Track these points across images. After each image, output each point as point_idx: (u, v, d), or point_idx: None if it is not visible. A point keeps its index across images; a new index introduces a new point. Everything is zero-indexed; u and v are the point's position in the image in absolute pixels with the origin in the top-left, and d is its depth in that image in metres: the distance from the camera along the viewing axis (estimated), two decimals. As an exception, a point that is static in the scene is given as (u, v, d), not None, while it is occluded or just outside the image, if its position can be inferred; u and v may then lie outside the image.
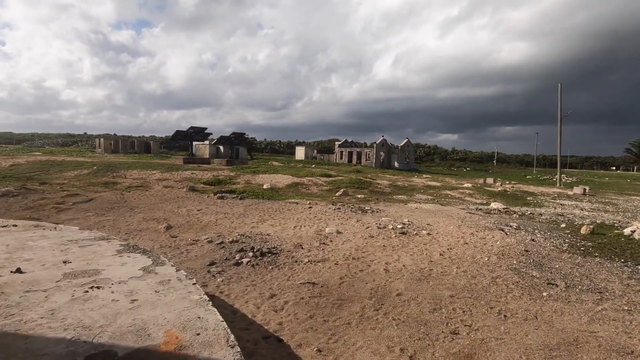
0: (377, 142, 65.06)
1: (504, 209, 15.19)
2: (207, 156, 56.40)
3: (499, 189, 24.58)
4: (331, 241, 8.12)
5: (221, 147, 66.26)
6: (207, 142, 59.43)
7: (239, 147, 67.13)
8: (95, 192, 13.32)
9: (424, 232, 8.93)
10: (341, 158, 71.64)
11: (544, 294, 5.27)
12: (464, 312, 4.80)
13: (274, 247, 7.49)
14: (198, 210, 11.02)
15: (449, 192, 21.65)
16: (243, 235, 8.31)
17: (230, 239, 7.82)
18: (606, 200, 22.91)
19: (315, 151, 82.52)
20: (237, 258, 6.86)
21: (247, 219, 10.14)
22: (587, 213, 16.06)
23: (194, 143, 61.30)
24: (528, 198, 21.42)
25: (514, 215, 13.22)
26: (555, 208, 17.59)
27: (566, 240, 8.40)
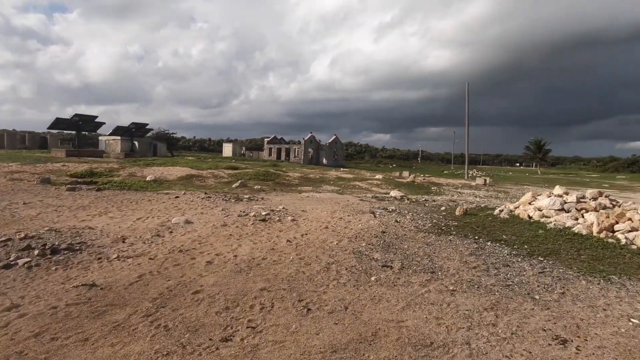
0: (305, 138, 64.55)
1: (401, 196, 15.02)
2: (119, 151, 50.97)
3: (408, 180, 25.10)
4: (171, 232, 6.70)
5: (136, 143, 60.56)
6: (118, 137, 53.74)
7: (157, 144, 61.90)
8: None
9: (289, 218, 7.90)
10: (270, 155, 69.91)
11: (372, 278, 4.44)
12: (262, 308, 3.72)
13: (80, 243, 5.85)
14: (25, 203, 8.79)
15: (358, 183, 21.39)
16: (54, 230, 6.50)
17: (23, 235, 5.98)
18: (500, 189, 24.57)
19: (244, 148, 79.65)
20: (11, 258, 5.12)
21: (85, 211, 8.25)
22: (478, 199, 16.66)
23: (103, 139, 55.01)
24: (432, 188, 22.01)
25: (406, 201, 12.98)
26: (452, 195, 18.09)
27: (434, 221, 7.97)
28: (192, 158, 41.24)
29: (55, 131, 41.80)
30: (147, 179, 15.44)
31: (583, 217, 7.71)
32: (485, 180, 29.05)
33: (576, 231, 7.12)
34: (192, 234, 6.65)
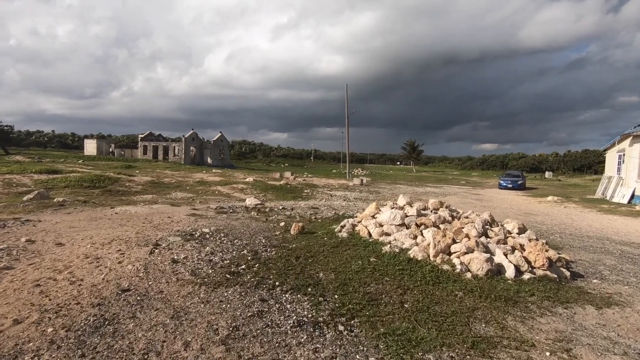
0: (186, 136, 58.41)
1: (255, 205, 12.81)
2: None
3: (282, 182, 23.30)
4: None
5: (-52, 138, 46.43)
6: None
7: (-18, 138, 48.38)
8: None
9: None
10: (145, 153, 61.42)
11: None
12: None
13: None
14: None
15: (220, 188, 18.58)
16: None
17: None
18: (374, 190, 24.65)
19: (114, 145, 68.60)
20: None
21: None
22: (344, 203, 15.59)
23: None
24: (305, 191, 20.55)
25: (252, 213, 10.77)
26: (320, 200, 16.74)
27: (242, 252, 5.77)
28: (20, 157, 32.44)
29: None
30: None
31: (422, 234, 6.47)
32: (362, 180, 29.23)
33: (412, 256, 5.74)
34: None
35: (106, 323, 3.32)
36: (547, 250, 5.81)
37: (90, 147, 64.45)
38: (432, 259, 5.64)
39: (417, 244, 6.18)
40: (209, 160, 61.07)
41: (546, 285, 4.92)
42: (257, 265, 5.13)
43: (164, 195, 15.21)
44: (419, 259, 5.64)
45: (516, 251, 5.82)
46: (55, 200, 11.37)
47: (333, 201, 16.49)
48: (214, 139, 63.25)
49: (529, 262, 5.62)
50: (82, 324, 3.28)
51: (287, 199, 16.52)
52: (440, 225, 6.63)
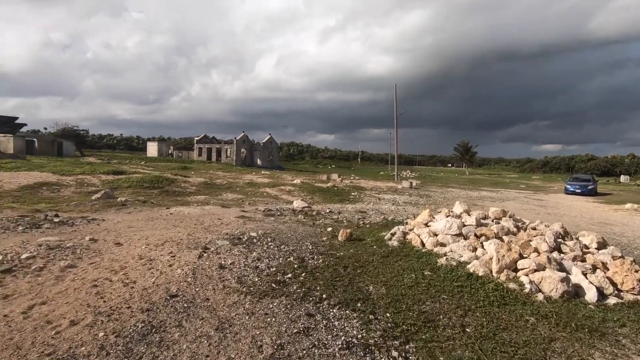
0: (237, 138, 60.67)
1: (302, 207, 12.75)
2: (13, 151, 43.31)
3: (329, 184, 23.13)
4: None
5: (35, 142, 52.37)
6: (10, 135, 45.70)
7: (63, 142, 54.14)
8: None
9: (62, 264, 5.05)
10: (200, 155, 64.83)
11: None
12: None
13: None
14: None
15: (268, 190, 18.86)
16: None
17: None
18: (424, 193, 23.63)
19: (172, 147, 73.25)
20: None
21: None
22: (394, 208, 15.03)
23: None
24: (352, 194, 20.20)
25: (299, 216, 10.67)
26: (368, 204, 16.31)
27: (288, 259, 5.61)
28: (92, 159, 35.75)
29: None
30: (-39, 190, 11.41)
31: (483, 246, 5.88)
32: (411, 183, 28.22)
33: (472, 270, 5.21)
34: None
35: (153, 331, 3.29)
36: (637, 271, 4.98)
37: (152, 149, 69.44)
38: (495, 275, 5.07)
39: (477, 257, 5.62)
40: (259, 162, 62.90)
41: (639, 314, 4.17)
42: (304, 274, 4.93)
43: (216, 196, 15.72)
44: (479, 274, 5.10)
45: (598, 270, 5.05)
46: (118, 199, 12.18)
47: (381, 205, 15.98)
48: (264, 141, 65.03)
49: (614, 284, 4.84)
50: (131, 330, 3.29)
51: (334, 202, 16.32)
52: (504, 237, 5.98)
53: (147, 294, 4.04)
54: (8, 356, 2.91)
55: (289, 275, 4.84)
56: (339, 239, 7.24)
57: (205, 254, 5.49)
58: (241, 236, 6.93)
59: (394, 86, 36.31)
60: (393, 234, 7.18)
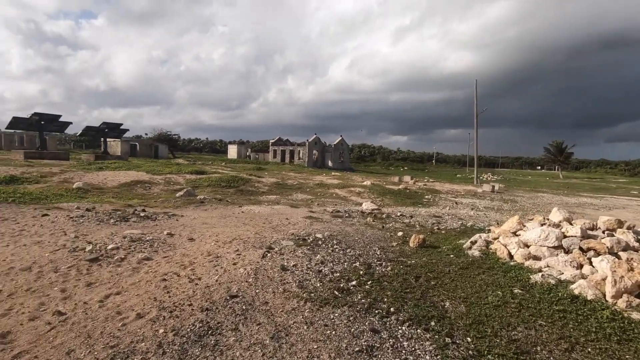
0: (309, 140, 62.00)
1: (371, 210, 12.26)
2: (121, 153, 50.12)
3: (400, 187, 22.11)
4: None
5: (137, 145, 59.80)
6: (119, 140, 52.92)
7: (159, 145, 60.97)
8: None
9: (140, 256, 5.34)
10: (275, 157, 67.76)
11: None
12: None
13: None
14: None
15: (338, 191, 18.67)
16: None
17: None
18: (508, 198, 21.30)
19: (250, 150, 77.80)
20: None
21: None
22: (472, 213, 13.70)
23: (107, 140, 54.77)
24: (426, 197, 19.04)
25: (368, 219, 10.22)
26: (444, 208, 15.14)
27: (353, 265, 5.20)
28: (181, 160, 39.44)
29: (16, 131, 40.05)
30: (74, 186, 13.22)
31: (591, 263, 4.82)
32: (493, 186, 25.73)
33: (577, 292, 4.26)
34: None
35: (209, 332, 3.19)
36: None
37: (232, 151, 74.61)
38: (610, 300, 4.08)
39: (583, 277, 4.61)
40: (330, 163, 63.50)
41: None
42: (370, 282, 4.50)
43: (286, 196, 16.00)
44: (588, 297, 4.14)
45: None
46: (198, 197, 13.02)
47: (459, 210, 14.70)
48: (335, 142, 65.48)
49: None
50: (189, 330, 3.22)
51: (405, 205, 15.48)
52: (621, 254, 4.83)
53: (209, 292, 4.01)
54: (79, 344, 3.02)
55: (354, 283, 4.46)
56: (411, 245, 6.64)
57: (269, 254, 5.38)
58: (307, 237, 6.74)
59: (474, 82, 33.65)
60: (473, 243, 6.35)
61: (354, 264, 5.25)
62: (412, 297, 4.12)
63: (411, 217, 11.51)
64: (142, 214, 8.43)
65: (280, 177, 24.07)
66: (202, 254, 5.52)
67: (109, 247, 5.65)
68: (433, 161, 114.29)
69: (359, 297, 4.02)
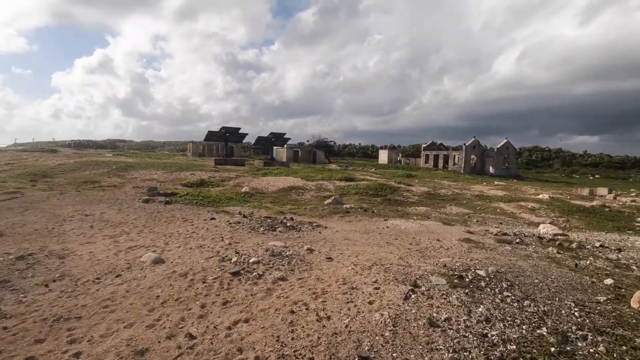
0: (467, 143, 56.19)
1: (553, 235, 9.49)
2: (285, 159, 57.21)
3: (594, 203, 16.95)
4: (118, 276, 5.11)
5: (299, 151, 66.85)
6: (284, 147, 60.31)
7: (317, 151, 66.59)
8: (47, 191, 12.72)
9: (276, 274, 5.12)
10: (426, 162, 64.40)
11: None
12: None
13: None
14: (86, 215, 9.08)
15: (503, 205, 15.67)
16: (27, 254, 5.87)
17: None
18: None
19: (401, 155, 76.38)
20: None
21: (109, 230, 7.74)
22: None
23: (274, 147, 63.27)
24: (638, 219, 13.97)
25: (550, 248, 7.79)
26: (674, 239, 10.61)
27: (521, 338, 3.55)
28: (334, 165, 41.50)
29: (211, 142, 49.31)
30: (243, 190, 15.07)
31: None
32: None
33: None
34: (129, 283, 4.85)
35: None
36: None
37: (383, 156, 74.83)
38: None
39: None
40: (491, 170, 56.06)
41: None
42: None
43: (438, 209, 14.31)
44: None
45: None
46: (344, 206, 12.87)
47: None
48: (498, 146, 57.50)
49: None
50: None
51: (605, 230, 11.58)
52: None
53: (334, 345, 3.28)
54: (193, 386, 2.73)
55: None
56: (632, 305, 4.42)
57: (413, 295, 4.33)
58: (464, 273, 5.33)
59: None
60: None
61: (537, 330, 3.65)
62: None
63: (619, 250, 8.31)
64: (288, 224, 8.61)
65: (431, 185, 22.15)
66: (336, 281, 4.92)
67: (251, 260, 5.68)
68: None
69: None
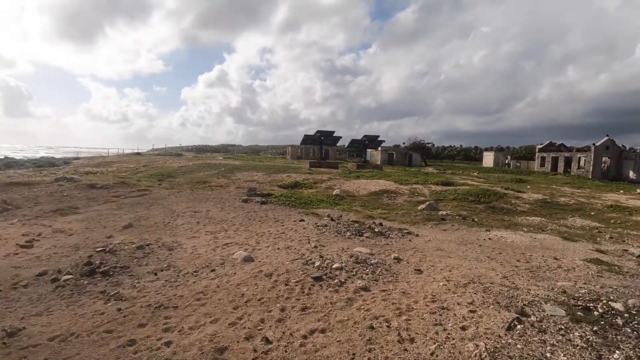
0: (598, 144, 47.30)
1: None
2: (379, 162, 56.66)
3: None
4: (213, 271, 5.53)
5: (394, 154, 65.25)
6: (378, 150, 59.69)
7: (412, 154, 64.10)
8: (169, 189, 14.73)
9: (358, 283, 4.84)
10: (542, 165, 56.29)
11: None
12: None
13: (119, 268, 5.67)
14: (195, 212, 10.19)
15: (649, 219, 12.58)
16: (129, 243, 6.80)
17: (100, 248, 6.49)
18: None
19: (509, 157, 68.37)
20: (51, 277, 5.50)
21: (208, 227, 8.52)
22: None
23: (368, 150, 63.15)
24: None
25: None
26: None
27: None
28: (431, 169, 39.15)
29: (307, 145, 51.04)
30: (334, 193, 15.16)
31: None
32: None
33: None
34: (221, 279, 5.18)
35: None
36: None
37: (488, 159, 68.05)
38: None
39: None
40: (631, 175, 46.18)
41: None
42: None
43: (556, 221, 12.20)
44: None
45: None
46: (439, 213, 11.89)
47: None
48: (642, 146, 47.00)
49: None
50: None
51: None
52: None
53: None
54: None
55: None
56: None
57: (519, 325, 3.59)
58: (591, 304, 4.27)
59: None
60: None
61: None
62: None
63: None
64: (376, 229, 8.24)
65: (548, 192, 19.13)
66: (424, 297, 4.42)
67: (334, 265, 5.53)
68: None
69: None
